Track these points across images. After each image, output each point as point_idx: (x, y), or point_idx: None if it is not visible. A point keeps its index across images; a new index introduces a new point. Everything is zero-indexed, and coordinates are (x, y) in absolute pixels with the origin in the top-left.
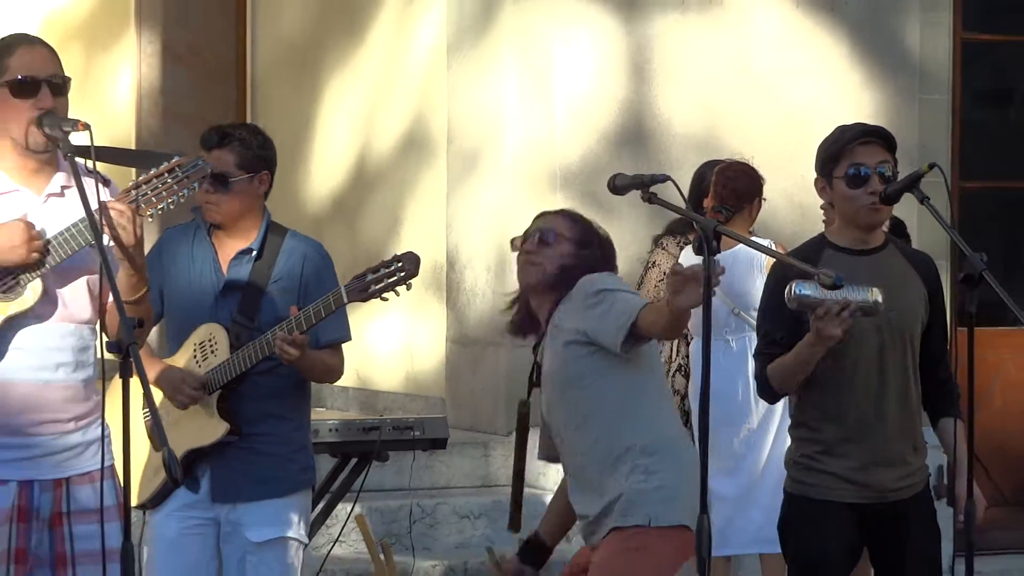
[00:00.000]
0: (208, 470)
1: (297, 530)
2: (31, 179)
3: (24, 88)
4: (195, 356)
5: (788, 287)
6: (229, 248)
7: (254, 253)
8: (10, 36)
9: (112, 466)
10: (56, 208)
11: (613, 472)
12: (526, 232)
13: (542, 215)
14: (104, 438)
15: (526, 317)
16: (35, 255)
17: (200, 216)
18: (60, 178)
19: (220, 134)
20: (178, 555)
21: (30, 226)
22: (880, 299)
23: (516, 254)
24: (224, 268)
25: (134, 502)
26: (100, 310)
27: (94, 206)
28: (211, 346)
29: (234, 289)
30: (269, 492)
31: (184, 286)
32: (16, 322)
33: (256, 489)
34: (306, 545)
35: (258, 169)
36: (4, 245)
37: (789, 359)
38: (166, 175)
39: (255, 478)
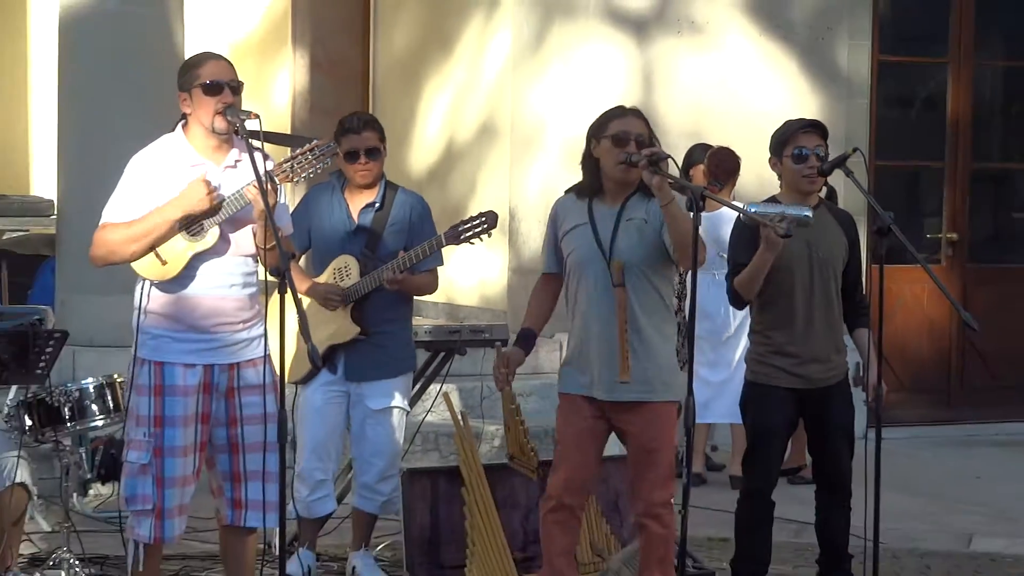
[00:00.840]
0: (343, 357)
1: (402, 401)
2: (213, 154)
3: (212, 89)
4: (334, 277)
5: (744, 212)
6: (358, 202)
7: (377, 205)
8: (202, 53)
9: (269, 355)
10: (231, 176)
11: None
12: (631, 134)
13: (624, 116)
14: (264, 335)
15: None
16: (215, 203)
17: (337, 179)
18: (234, 154)
19: (363, 119)
20: (323, 418)
21: (208, 183)
22: (810, 214)
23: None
24: (355, 217)
25: (289, 380)
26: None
27: (262, 173)
28: (346, 271)
29: (361, 231)
30: (384, 373)
31: (326, 227)
32: (201, 256)
33: (376, 371)
34: (407, 412)
35: (385, 145)
36: (193, 198)
37: (749, 268)
38: (308, 153)
39: (375, 363)
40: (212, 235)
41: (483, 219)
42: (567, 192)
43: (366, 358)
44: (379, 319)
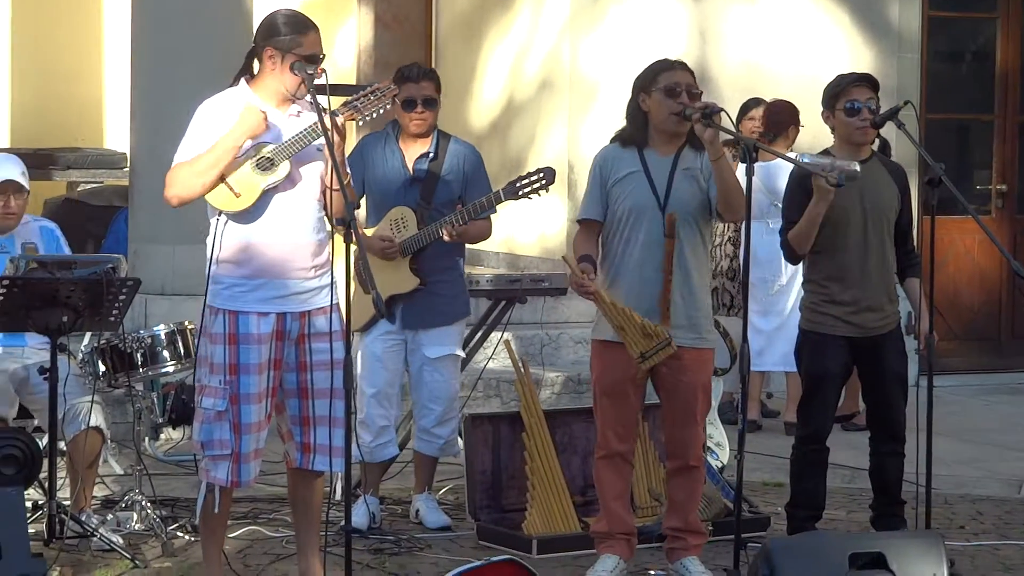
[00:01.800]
0: (401, 307)
1: (458, 348)
2: (279, 106)
3: (311, 61)
4: (391, 228)
5: (796, 162)
6: (413, 151)
7: (431, 155)
8: (302, 17)
9: (337, 303)
10: (293, 123)
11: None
12: (682, 85)
13: (672, 68)
14: (332, 283)
15: None
16: (266, 124)
17: (392, 128)
18: (295, 107)
19: (423, 69)
20: (383, 365)
21: (253, 107)
22: (858, 168)
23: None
24: (410, 166)
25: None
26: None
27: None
28: (403, 223)
29: (416, 181)
30: (441, 321)
31: (381, 177)
32: (270, 194)
33: (433, 319)
34: (463, 357)
35: (440, 97)
36: (251, 121)
37: (803, 220)
38: (370, 94)
39: (432, 311)
40: (283, 169)
41: (541, 175)
42: (611, 141)
43: (423, 307)
44: (435, 268)
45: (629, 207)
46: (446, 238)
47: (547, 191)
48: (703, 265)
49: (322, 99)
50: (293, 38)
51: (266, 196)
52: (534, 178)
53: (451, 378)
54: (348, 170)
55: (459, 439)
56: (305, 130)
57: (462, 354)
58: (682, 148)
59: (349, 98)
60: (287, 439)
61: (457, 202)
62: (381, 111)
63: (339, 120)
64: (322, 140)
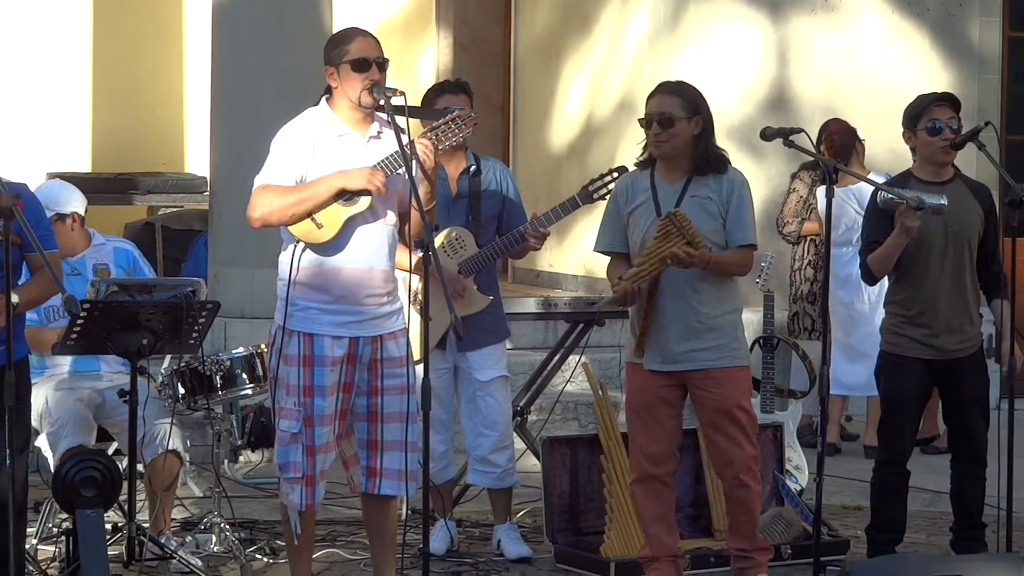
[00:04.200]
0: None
1: (505, 369)
2: (358, 126)
3: (360, 65)
4: (446, 249)
5: (879, 195)
6: (452, 167)
7: (472, 169)
8: (349, 29)
9: (406, 327)
10: (374, 147)
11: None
12: (652, 115)
13: (652, 96)
14: (401, 309)
15: None
16: (374, 189)
17: None
18: (375, 126)
19: (459, 83)
20: (434, 394)
21: (376, 172)
22: (945, 202)
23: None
24: (453, 183)
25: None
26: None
27: (406, 143)
28: (459, 243)
29: (461, 198)
30: (490, 339)
31: None
32: (351, 223)
33: (484, 338)
34: (509, 378)
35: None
36: (358, 178)
37: (882, 249)
38: (451, 122)
39: (483, 330)
40: (364, 201)
41: (613, 174)
42: (634, 165)
43: (471, 326)
44: (486, 287)
45: (640, 240)
46: (534, 245)
47: None
48: (720, 288)
49: (400, 119)
50: (339, 49)
51: (346, 226)
52: (607, 178)
53: (504, 401)
54: (434, 195)
55: (515, 471)
56: (386, 159)
57: (509, 374)
58: (692, 174)
59: (430, 123)
60: (351, 464)
61: (498, 216)
62: (461, 137)
63: (424, 148)
64: (403, 168)
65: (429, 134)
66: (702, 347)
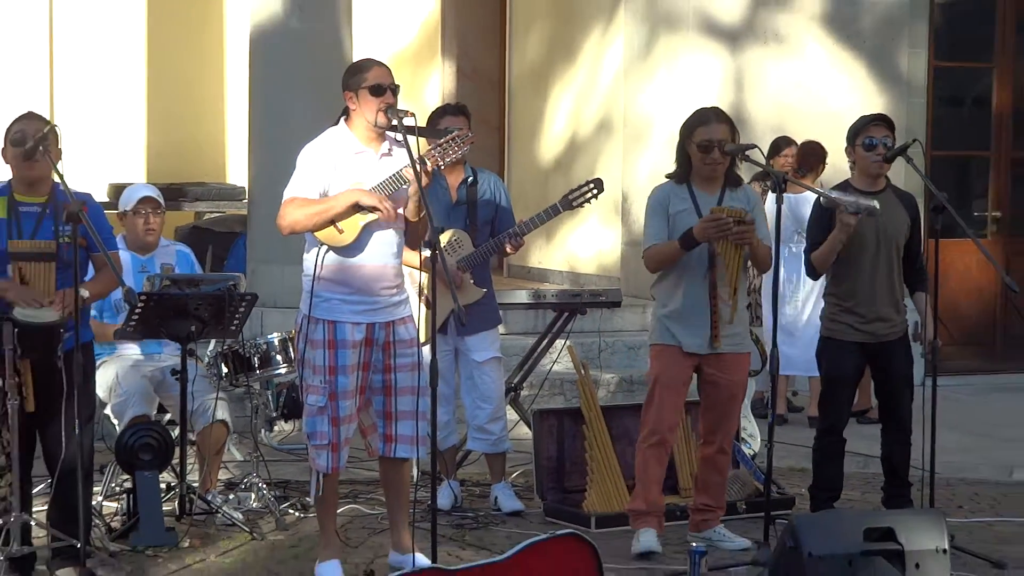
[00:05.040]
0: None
1: (498, 350)
2: (371, 144)
3: (376, 90)
4: (446, 250)
5: (824, 195)
6: (453, 178)
7: (470, 179)
8: (367, 59)
9: (411, 315)
10: (386, 162)
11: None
12: (714, 142)
13: (708, 123)
14: (407, 298)
15: None
16: (378, 211)
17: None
18: (386, 144)
19: (458, 105)
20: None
21: (380, 198)
22: (877, 205)
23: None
24: (453, 192)
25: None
26: (411, 221)
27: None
28: (458, 244)
29: (460, 204)
30: (485, 325)
31: (432, 202)
32: (368, 228)
33: (480, 324)
34: (502, 359)
35: None
36: (367, 199)
37: (825, 246)
38: (451, 140)
39: (478, 317)
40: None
41: (591, 184)
42: (667, 178)
43: (472, 315)
44: (480, 281)
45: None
46: (511, 251)
47: (596, 198)
48: (742, 286)
49: (410, 138)
50: (358, 76)
51: (363, 231)
52: (584, 188)
53: (498, 379)
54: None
55: (507, 438)
56: (396, 174)
57: (501, 355)
58: (725, 187)
59: (435, 141)
60: (369, 432)
61: (491, 221)
62: (461, 154)
63: (428, 166)
64: (411, 182)
65: (434, 150)
66: (729, 333)
